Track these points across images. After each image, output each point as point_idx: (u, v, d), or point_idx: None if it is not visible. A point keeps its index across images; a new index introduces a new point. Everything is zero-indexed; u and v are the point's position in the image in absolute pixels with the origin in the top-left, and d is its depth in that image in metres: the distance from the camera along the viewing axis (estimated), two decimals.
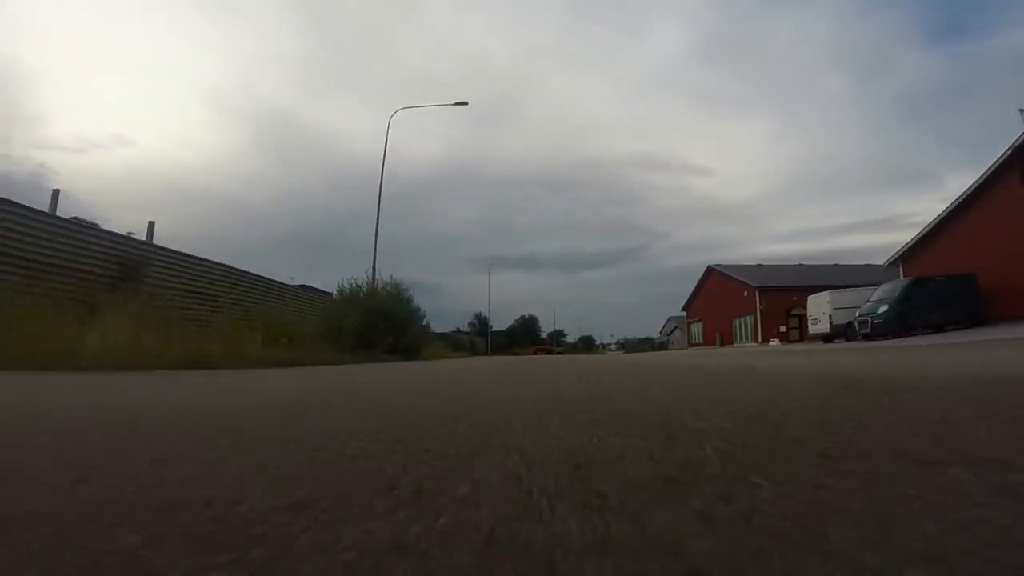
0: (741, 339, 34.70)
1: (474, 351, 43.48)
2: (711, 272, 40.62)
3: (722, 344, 36.53)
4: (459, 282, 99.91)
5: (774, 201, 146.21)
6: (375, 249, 16.40)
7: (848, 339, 17.11)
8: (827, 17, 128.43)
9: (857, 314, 16.81)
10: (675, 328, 58.23)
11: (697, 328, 44.34)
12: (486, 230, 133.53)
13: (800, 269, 37.64)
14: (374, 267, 15.78)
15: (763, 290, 31.93)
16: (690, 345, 44.68)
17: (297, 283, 21.08)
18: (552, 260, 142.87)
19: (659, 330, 70.41)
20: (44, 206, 9.90)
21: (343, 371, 6.66)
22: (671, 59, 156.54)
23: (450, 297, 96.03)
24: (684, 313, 48.72)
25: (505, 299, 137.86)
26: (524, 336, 76.91)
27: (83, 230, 9.94)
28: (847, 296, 18.97)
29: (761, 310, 31.49)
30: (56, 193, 10.67)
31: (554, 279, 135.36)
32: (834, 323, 18.95)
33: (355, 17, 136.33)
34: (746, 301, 33.31)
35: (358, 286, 14.56)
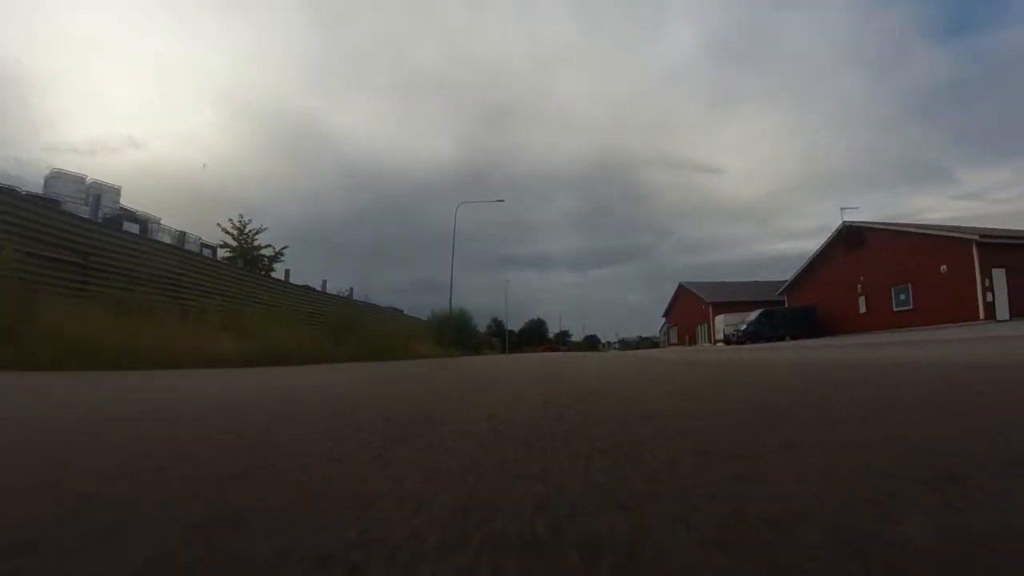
0: (702, 341, 45.25)
1: (493, 349, 54.24)
2: (682, 289, 51.21)
3: (689, 344, 47.09)
4: (468, 281, 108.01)
5: (783, 199, 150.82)
6: (451, 290, 27.10)
7: (737, 344, 27.59)
8: (839, 12, 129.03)
9: (733, 330, 27.49)
10: (669, 329, 68.74)
11: (674, 331, 54.92)
12: (497, 228, 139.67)
13: (754, 286, 47.93)
14: (450, 302, 26.55)
15: (715, 305, 42.41)
16: (669, 345, 55.24)
17: (388, 305, 31.87)
18: (561, 258, 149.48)
19: (659, 329, 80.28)
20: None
21: (472, 359, 17.26)
22: (682, 57, 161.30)
23: (462, 295, 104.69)
24: (664, 319, 59.35)
25: (515, 297, 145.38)
26: (533, 336, 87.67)
27: (309, 291, 20.70)
28: (734, 318, 29.56)
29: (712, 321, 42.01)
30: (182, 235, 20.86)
31: (562, 277, 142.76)
32: (725, 334, 29.55)
33: (366, 17, 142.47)
34: (703, 313, 43.87)
35: (447, 312, 25.38)
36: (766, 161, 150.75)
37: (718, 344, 33.44)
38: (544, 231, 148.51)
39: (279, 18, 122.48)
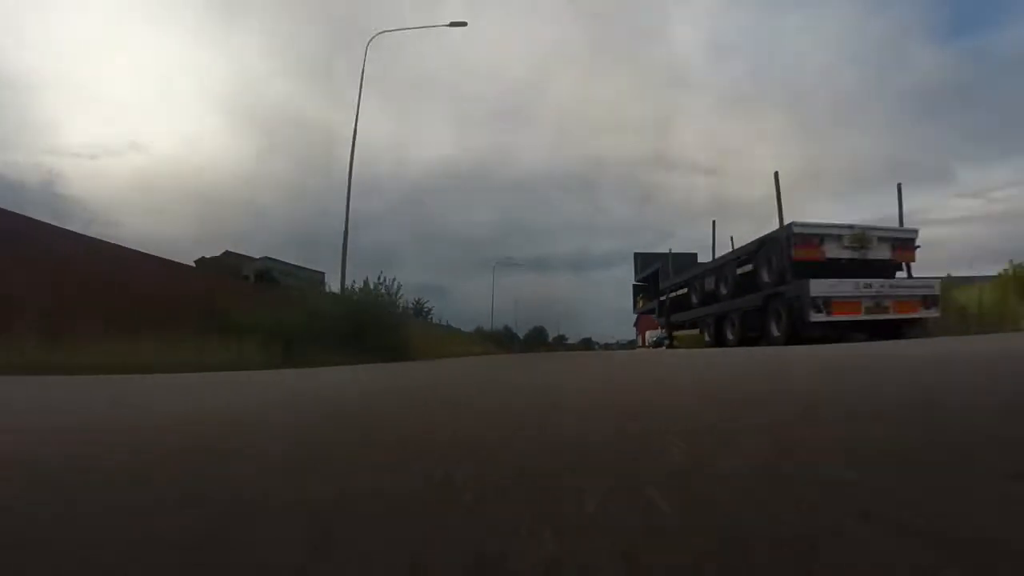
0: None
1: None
2: None
3: (652, 347, 66.27)
4: (473, 283, 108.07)
5: (786, 199, 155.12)
6: (492, 313, 46.42)
7: (649, 348, 46.35)
8: (838, 12, 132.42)
9: (652, 340, 46.79)
10: (638, 335, 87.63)
11: (640, 338, 74.29)
12: (499, 231, 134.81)
13: None
14: (492, 317, 45.85)
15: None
16: (639, 347, 74.38)
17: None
18: (561, 261, 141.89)
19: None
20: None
21: (519, 355, 36.46)
22: (684, 57, 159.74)
23: (467, 298, 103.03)
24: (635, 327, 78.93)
25: (516, 300, 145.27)
26: (535, 340, 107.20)
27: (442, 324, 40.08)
28: (655, 332, 48.80)
29: None
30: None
31: (562, 279, 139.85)
32: (649, 342, 48.72)
33: (366, 19, 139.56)
34: (655, 324, 63.11)
35: (486, 329, 44.69)
36: (766, 162, 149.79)
37: (647, 348, 52.85)
38: (546, 233, 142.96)
39: (285, 19, 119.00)
